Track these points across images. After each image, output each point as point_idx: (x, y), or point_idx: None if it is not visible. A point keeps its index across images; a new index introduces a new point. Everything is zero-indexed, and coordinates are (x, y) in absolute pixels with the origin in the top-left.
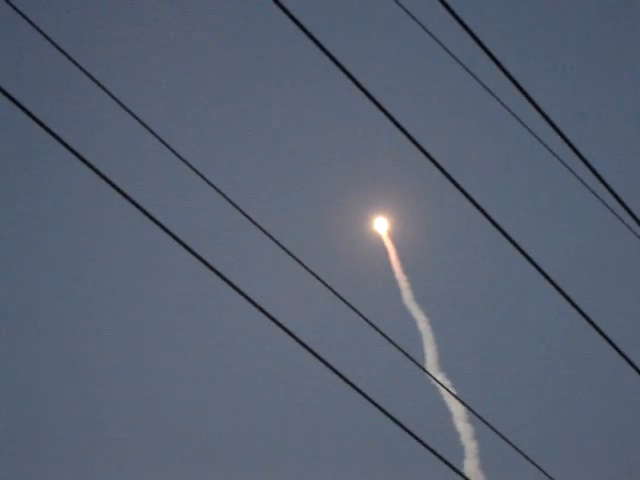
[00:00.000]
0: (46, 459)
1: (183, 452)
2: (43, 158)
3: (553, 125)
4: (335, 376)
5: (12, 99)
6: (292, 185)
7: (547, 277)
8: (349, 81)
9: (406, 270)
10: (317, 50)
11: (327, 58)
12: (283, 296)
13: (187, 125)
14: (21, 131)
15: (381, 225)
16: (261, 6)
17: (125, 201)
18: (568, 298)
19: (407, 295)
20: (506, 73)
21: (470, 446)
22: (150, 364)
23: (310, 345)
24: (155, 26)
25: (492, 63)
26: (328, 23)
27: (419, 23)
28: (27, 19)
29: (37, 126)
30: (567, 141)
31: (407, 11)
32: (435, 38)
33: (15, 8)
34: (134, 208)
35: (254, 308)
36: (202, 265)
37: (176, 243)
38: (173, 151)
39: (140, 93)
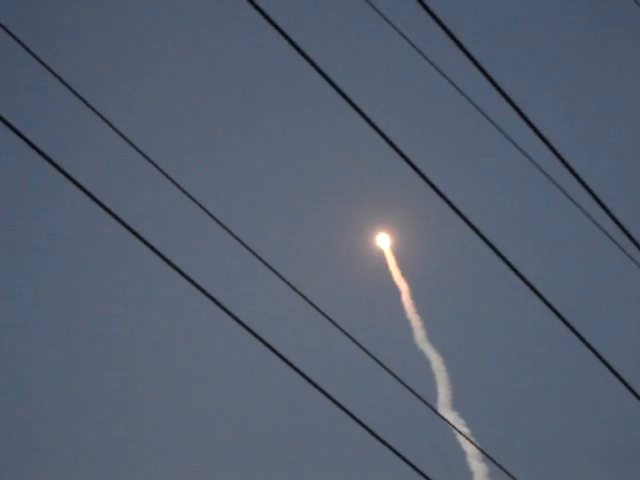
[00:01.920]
0: (46, 460)
1: (182, 453)
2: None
3: (557, 154)
4: (343, 413)
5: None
6: (291, 208)
7: (555, 311)
8: (350, 99)
9: (417, 304)
10: (317, 72)
11: (327, 78)
12: (289, 329)
13: (181, 142)
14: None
15: (384, 242)
16: (259, 28)
17: (102, 210)
18: (576, 332)
19: (419, 334)
20: (507, 99)
21: None
22: (150, 365)
23: (319, 384)
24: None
25: (494, 89)
26: (320, 43)
27: (411, 43)
28: (20, 42)
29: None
30: (570, 169)
31: (403, 35)
32: (431, 62)
33: (8, 31)
34: (116, 221)
35: (257, 341)
36: (204, 294)
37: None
38: (166, 175)
39: (129, 112)
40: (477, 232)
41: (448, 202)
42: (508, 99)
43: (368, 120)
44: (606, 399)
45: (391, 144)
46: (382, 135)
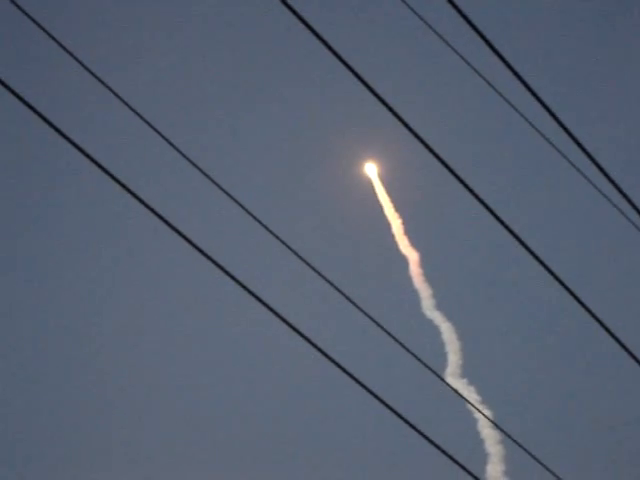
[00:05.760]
0: (46, 460)
1: (185, 453)
2: (50, 158)
3: (565, 128)
4: (352, 382)
5: (18, 97)
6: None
7: (564, 285)
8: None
9: (425, 273)
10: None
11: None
12: (296, 298)
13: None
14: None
15: (374, 180)
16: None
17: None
18: (582, 303)
19: (428, 302)
20: (517, 75)
21: (494, 450)
22: (153, 363)
23: (327, 351)
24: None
25: (506, 68)
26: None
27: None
28: (31, 17)
29: (44, 125)
30: (579, 144)
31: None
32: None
33: (20, 7)
34: (128, 196)
35: (263, 307)
36: (203, 258)
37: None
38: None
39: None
40: (484, 204)
41: (454, 174)
42: (516, 72)
43: (366, 84)
44: (618, 369)
45: (384, 102)
46: (372, 91)
